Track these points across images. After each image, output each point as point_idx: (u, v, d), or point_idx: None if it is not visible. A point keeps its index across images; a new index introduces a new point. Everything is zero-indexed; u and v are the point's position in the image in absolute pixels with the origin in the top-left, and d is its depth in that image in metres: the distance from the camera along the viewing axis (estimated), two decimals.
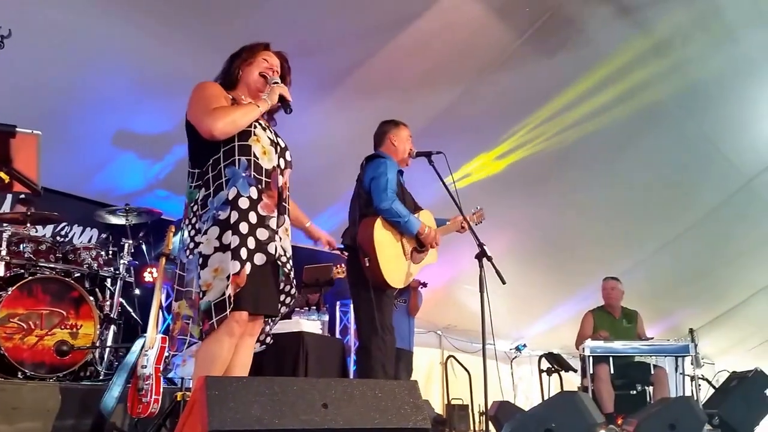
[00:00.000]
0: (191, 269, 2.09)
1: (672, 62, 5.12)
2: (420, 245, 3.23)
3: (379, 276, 3.01)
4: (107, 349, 3.63)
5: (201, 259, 2.04)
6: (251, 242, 2.05)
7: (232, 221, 2.04)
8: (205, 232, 2.05)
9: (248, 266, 2.02)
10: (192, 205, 2.15)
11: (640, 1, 4.56)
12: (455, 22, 4.37)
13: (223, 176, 2.09)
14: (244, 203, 2.07)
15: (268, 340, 2.31)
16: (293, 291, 2.24)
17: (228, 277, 1.98)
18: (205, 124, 2.07)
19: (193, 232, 2.12)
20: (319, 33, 4.19)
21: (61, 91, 4.12)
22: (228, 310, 1.96)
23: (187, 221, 2.16)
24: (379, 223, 3.07)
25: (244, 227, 2.05)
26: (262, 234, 2.08)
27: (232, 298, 1.97)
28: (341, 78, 4.59)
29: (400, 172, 3.35)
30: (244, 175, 2.08)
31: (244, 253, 2.02)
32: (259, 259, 2.05)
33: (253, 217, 2.08)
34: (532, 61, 4.79)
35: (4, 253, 3.40)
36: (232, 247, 2.01)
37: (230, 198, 2.06)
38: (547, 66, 4.87)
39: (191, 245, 2.10)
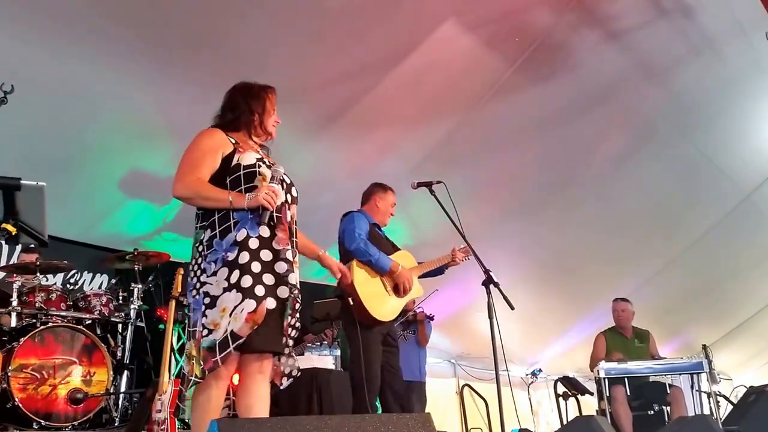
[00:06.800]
0: (196, 309, 2.11)
1: (662, 83, 5.21)
2: None
3: (364, 312, 3.22)
4: (122, 396, 3.62)
5: (209, 300, 2.07)
6: (268, 278, 2.09)
7: (241, 262, 2.07)
8: (214, 273, 2.08)
9: (270, 301, 2.06)
10: (197, 245, 2.18)
11: (627, 24, 4.68)
12: (446, 55, 4.48)
13: (231, 218, 2.13)
14: (254, 243, 2.10)
15: (295, 372, 2.30)
16: (298, 324, 2.25)
17: (230, 314, 2.02)
18: (174, 187, 2.15)
19: (199, 272, 2.14)
20: (316, 71, 4.29)
21: (66, 140, 4.20)
22: (231, 347, 1.99)
23: (193, 261, 2.19)
24: (354, 265, 3.29)
25: (256, 266, 2.08)
26: (281, 267, 2.12)
27: (234, 337, 1.99)
28: (340, 114, 4.66)
29: (376, 226, 3.57)
30: (251, 216, 2.12)
31: (260, 290, 2.06)
32: (282, 292, 2.11)
33: (266, 255, 2.12)
34: (524, 89, 4.88)
35: (15, 303, 3.43)
36: (245, 286, 2.05)
37: (239, 240, 2.09)
38: (539, 93, 4.97)
39: (197, 285, 2.12)
